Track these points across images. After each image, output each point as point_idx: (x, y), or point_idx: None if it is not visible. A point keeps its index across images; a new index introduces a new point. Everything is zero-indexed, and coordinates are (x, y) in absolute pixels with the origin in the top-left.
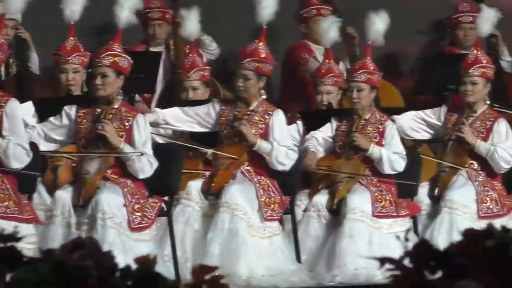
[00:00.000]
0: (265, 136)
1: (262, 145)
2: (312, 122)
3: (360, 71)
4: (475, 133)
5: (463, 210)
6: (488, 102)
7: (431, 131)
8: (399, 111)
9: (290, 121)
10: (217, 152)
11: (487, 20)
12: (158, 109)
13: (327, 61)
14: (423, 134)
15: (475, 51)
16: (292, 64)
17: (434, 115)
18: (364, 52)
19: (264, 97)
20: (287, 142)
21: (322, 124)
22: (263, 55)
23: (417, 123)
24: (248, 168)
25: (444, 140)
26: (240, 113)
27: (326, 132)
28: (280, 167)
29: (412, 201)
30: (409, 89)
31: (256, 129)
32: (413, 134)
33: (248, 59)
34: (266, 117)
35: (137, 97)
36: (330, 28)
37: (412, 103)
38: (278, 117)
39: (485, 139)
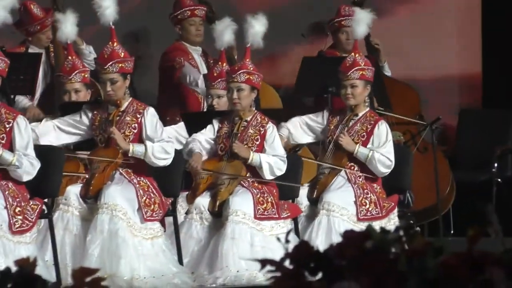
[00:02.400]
0: (139, 135)
1: (135, 149)
2: (194, 125)
3: (240, 72)
4: (355, 136)
5: (341, 212)
6: (367, 104)
7: (314, 135)
8: (277, 113)
9: (169, 123)
10: (92, 157)
11: (361, 22)
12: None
13: (219, 63)
14: (308, 138)
15: (353, 54)
16: (167, 68)
17: (317, 118)
18: (243, 54)
19: (128, 96)
20: (162, 136)
21: (204, 127)
22: (122, 55)
23: (302, 128)
24: (126, 169)
25: (325, 142)
26: (111, 114)
27: (208, 134)
28: (161, 163)
29: (293, 202)
30: (290, 91)
31: (129, 129)
32: (300, 139)
33: (110, 63)
34: (138, 116)
35: (25, 101)
36: (224, 31)
37: (292, 106)
38: (149, 114)
39: (365, 142)
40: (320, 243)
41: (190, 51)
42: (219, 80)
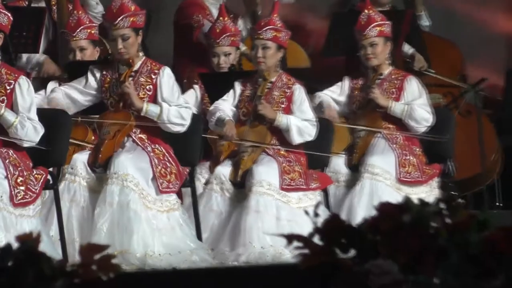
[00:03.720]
0: (154, 98)
1: (149, 109)
2: (213, 86)
3: (266, 28)
4: (385, 94)
5: (384, 176)
6: (389, 62)
7: (337, 108)
8: (304, 72)
9: (187, 86)
10: (101, 120)
11: None
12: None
13: (221, 18)
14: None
15: (366, 11)
16: (184, 26)
17: (338, 90)
18: (270, 10)
19: (141, 54)
20: (179, 100)
21: (224, 88)
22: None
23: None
24: (140, 135)
25: (352, 108)
26: (123, 75)
27: (230, 100)
28: (175, 129)
29: (323, 172)
30: (319, 50)
31: (143, 91)
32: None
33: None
34: (153, 76)
35: (38, 55)
36: None
37: (320, 65)
38: (166, 75)
39: (397, 99)
40: (362, 210)
41: (207, 5)
42: (224, 36)
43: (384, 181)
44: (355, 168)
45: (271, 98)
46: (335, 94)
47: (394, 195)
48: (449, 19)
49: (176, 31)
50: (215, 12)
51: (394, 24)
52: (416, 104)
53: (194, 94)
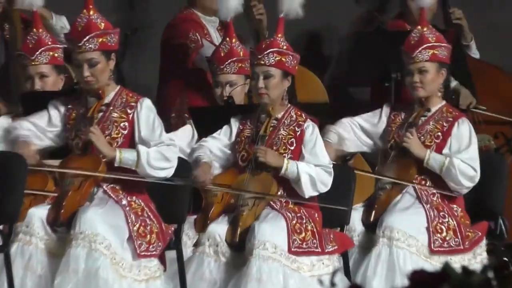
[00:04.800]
0: (130, 138)
1: (124, 157)
2: (206, 123)
3: (268, 51)
4: (427, 138)
5: (407, 242)
6: (441, 95)
7: (371, 142)
8: (321, 108)
9: (176, 121)
10: (64, 169)
11: None
12: None
13: (228, 39)
14: (361, 146)
15: (419, 28)
16: (176, 46)
17: (374, 119)
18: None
19: (114, 83)
20: (161, 138)
21: (221, 126)
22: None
23: (355, 133)
24: (113, 185)
25: (386, 148)
26: (91, 110)
27: (222, 138)
28: (159, 174)
29: (342, 231)
30: (337, 79)
31: (117, 130)
32: (352, 147)
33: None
34: (129, 111)
35: None
36: None
37: (341, 99)
38: (144, 108)
39: (441, 145)
40: (379, 284)
41: (204, 23)
42: (229, 61)
43: (407, 248)
44: (372, 227)
45: (277, 139)
46: (368, 124)
47: (421, 265)
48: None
49: (164, 53)
50: (213, 33)
51: None
52: (461, 158)
53: (190, 132)
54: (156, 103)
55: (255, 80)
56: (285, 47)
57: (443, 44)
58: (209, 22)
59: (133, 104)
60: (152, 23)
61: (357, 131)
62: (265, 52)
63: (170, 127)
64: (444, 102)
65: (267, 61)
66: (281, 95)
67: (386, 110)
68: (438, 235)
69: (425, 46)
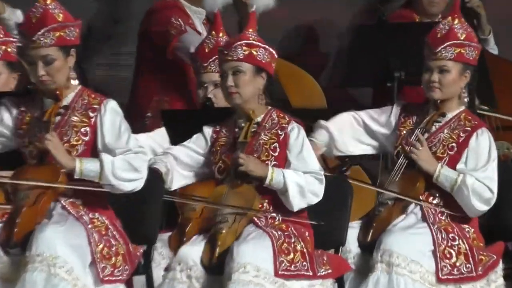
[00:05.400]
0: (92, 145)
1: (85, 168)
2: (179, 129)
3: (236, 44)
4: (439, 149)
5: (409, 268)
6: (466, 100)
7: (377, 143)
8: (320, 114)
9: (153, 122)
10: (17, 181)
11: None
12: None
13: (214, 33)
14: (362, 148)
15: (450, 19)
16: (156, 34)
17: (381, 118)
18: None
19: (75, 82)
20: (129, 144)
21: (198, 130)
22: None
23: (354, 131)
24: (73, 199)
25: (390, 156)
26: (47, 113)
27: (192, 147)
28: (126, 187)
29: (337, 253)
30: (336, 79)
31: (77, 136)
32: (351, 149)
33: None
34: (91, 114)
35: None
36: None
37: (339, 102)
38: (109, 111)
39: (454, 158)
40: None
41: (189, 13)
42: (215, 58)
43: (409, 275)
44: (369, 248)
45: (257, 145)
46: (374, 122)
47: None
48: None
49: (143, 43)
50: (199, 26)
51: None
52: (476, 176)
53: (167, 135)
54: (129, 100)
55: (224, 78)
56: (255, 39)
57: (472, 44)
58: (195, 13)
59: (95, 106)
60: (134, 16)
61: (357, 129)
62: (233, 46)
63: (144, 128)
64: (463, 108)
65: (235, 55)
66: (255, 94)
67: (396, 110)
68: (447, 260)
69: (451, 42)
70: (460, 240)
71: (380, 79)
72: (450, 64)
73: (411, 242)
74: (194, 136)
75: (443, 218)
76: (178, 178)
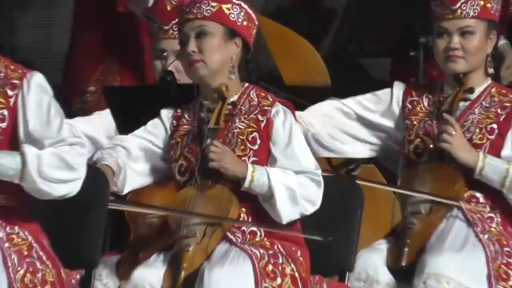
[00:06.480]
0: (10, 135)
1: (2, 164)
2: (128, 112)
3: (200, 3)
4: (474, 133)
5: None
6: (491, 70)
7: (376, 141)
8: (322, 93)
9: (97, 99)
10: None
11: None
12: None
13: None
14: (356, 146)
15: None
16: None
17: (380, 106)
18: None
19: None
20: (61, 134)
21: (154, 115)
22: None
23: (347, 126)
24: None
25: (407, 153)
26: None
27: (145, 137)
28: (56, 191)
29: (343, 281)
30: (342, 46)
31: None
32: (337, 147)
33: None
34: (9, 92)
35: None
36: None
37: (346, 74)
38: (33, 88)
39: (496, 144)
40: None
41: None
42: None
43: None
44: (406, 274)
45: (230, 135)
46: (370, 112)
47: None
48: None
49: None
50: None
51: None
52: None
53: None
54: (64, 72)
55: (185, 44)
56: None
57: None
58: None
59: (15, 82)
60: None
61: (350, 124)
62: (198, 2)
63: (83, 109)
64: (490, 81)
65: (199, 13)
66: (225, 65)
67: (397, 93)
68: (503, 283)
69: None
70: None
71: (401, 46)
72: (474, 24)
73: (464, 263)
74: (149, 122)
75: (493, 224)
76: (132, 177)
